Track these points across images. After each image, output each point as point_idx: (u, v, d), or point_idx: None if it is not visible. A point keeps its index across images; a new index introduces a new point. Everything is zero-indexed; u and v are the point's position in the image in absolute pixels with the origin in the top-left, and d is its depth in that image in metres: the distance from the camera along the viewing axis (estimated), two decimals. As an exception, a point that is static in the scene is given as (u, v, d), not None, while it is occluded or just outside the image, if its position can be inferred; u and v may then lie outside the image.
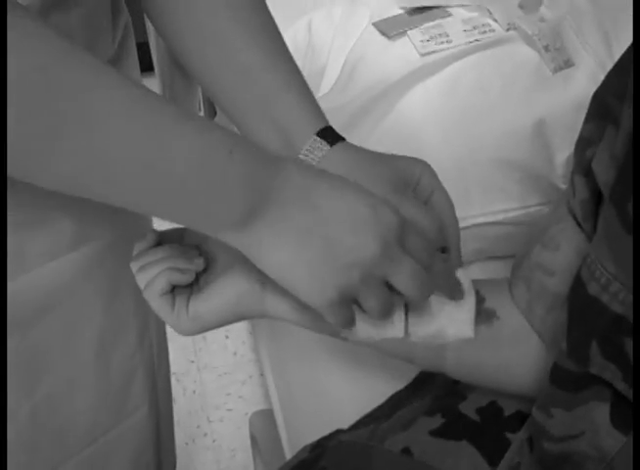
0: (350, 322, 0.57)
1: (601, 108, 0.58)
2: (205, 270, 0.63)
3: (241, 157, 0.49)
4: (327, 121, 0.66)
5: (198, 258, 0.62)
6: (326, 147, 0.64)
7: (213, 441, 1.59)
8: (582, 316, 0.53)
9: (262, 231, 0.51)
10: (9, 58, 0.40)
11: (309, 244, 0.52)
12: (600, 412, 0.54)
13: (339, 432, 0.79)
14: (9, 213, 0.58)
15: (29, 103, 0.41)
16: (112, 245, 0.68)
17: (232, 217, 0.51)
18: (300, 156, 0.64)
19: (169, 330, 0.63)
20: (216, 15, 0.65)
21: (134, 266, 0.62)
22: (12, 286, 0.62)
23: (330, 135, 0.65)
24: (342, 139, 0.65)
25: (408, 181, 0.64)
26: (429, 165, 0.66)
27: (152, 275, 0.60)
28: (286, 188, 0.51)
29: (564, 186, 0.92)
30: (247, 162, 0.50)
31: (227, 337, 1.75)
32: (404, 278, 0.54)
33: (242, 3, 0.66)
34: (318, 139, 0.64)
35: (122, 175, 0.47)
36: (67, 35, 0.53)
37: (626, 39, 0.96)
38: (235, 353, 1.74)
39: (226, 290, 0.61)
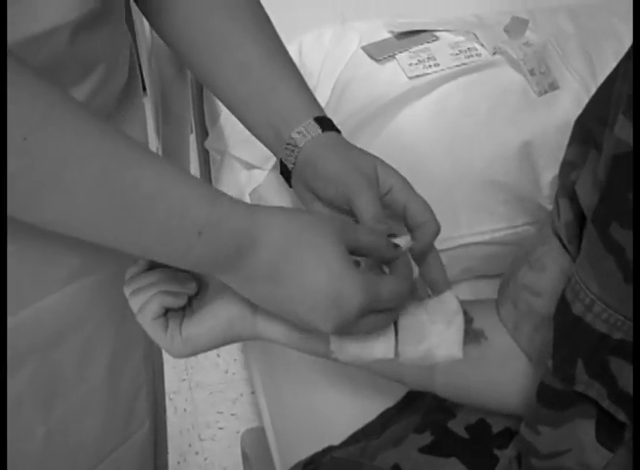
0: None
1: (583, 133, 0.59)
2: (197, 294, 0.63)
3: (209, 237, 0.52)
4: (323, 111, 0.69)
5: (190, 281, 0.62)
6: (318, 131, 0.66)
7: (205, 459, 1.59)
8: (567, 335, 0.55)
9: (235, 285, 0.57)
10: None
11: (279, 308, 0.57)
12: (586, 429, 0.55)
13: (331, 448, 0.80)
14: (18, 247, 0.60)
15: (14, 166, 0.45)
16: (122, 272, 0.69)
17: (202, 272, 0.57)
18: (293, 134, 0.66)
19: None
20: (215, 14, 0.68)
21: (127, 291, 0.63)
22: (25, 313, 0.63)
23: (325, 122, 0.67)
24: (337, 130, 0.68)
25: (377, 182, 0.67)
26: (402, 177, 0.67)
27: (144, 299, 0.61)
28: (253, 265, 0.54)
29: (550, 206, 0.93)
30: (214, 244, 0.52)
31: (218, 355, 1.75)
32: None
33: (238, 2, 0.69)
34: (314, 122, 0.67)
35: (99, 230, 0.51)
36: (92, 56, 0.57)
37: (609, 63, 0.98)
38: (226, 372, 1.74)
39: (218, 314, 0.62)
